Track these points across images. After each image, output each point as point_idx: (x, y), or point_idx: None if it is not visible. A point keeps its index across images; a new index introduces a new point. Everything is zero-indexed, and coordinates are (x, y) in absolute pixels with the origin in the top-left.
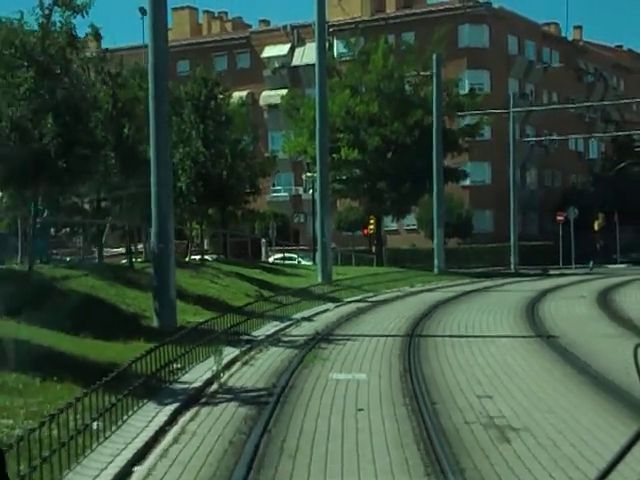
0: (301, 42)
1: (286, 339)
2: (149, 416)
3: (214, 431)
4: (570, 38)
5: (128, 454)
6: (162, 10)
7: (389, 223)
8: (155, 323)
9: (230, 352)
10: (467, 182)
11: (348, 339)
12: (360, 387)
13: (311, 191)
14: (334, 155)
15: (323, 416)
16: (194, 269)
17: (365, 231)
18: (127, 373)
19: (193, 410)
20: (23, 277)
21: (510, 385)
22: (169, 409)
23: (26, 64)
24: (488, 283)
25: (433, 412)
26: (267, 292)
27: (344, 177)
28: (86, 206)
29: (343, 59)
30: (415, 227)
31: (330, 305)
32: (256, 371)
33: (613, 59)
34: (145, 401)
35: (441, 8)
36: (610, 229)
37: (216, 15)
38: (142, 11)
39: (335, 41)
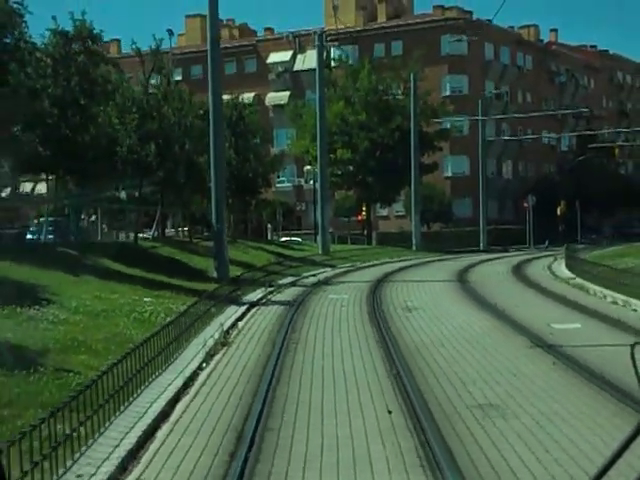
0: (302, 49)
1: (299, 284)
2: (235, 310)
3: (267, 319)
4: (547, 40)
5: (234, 319)
6: (218, 66)
7: (380, 210)
8: (215, 275)
9: (265, 291)
10: (449, 173)
11: (339, 283)
12: (343, 302)
13: (311, 182)
14: (331, 154)
15: (322, 310)
16: (230, 244)
17: (359, 217)
18: (214, 294)
19: (255, 309)
20: (132, 246)
21: (426, 298)
22: (244, 307)
23: (134, 110)
24: (450, 256)
25: (380, 308)
26: (282, 259)
27: (339, 172)
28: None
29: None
30: (403, 213)
31: (327, 268)
32: (284, 296)
33: (584, 60)
34: (230, 305)
35: (426, 20)
36: (572, 214)
37: (224, 22)
38: (170, 32)
39: (332, 49)
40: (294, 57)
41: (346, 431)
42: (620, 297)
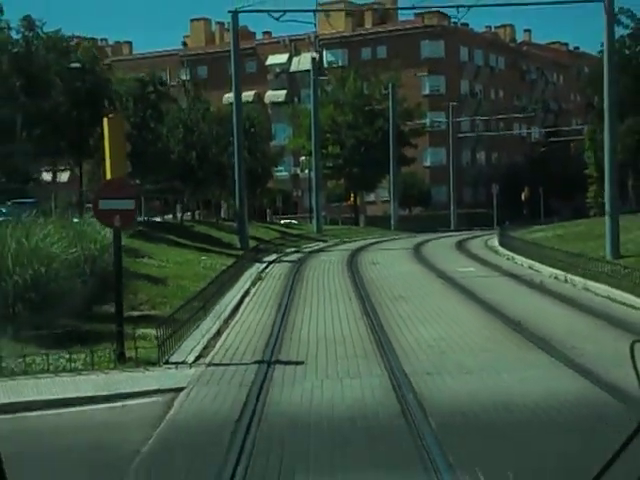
0: (297, 52)
1: (300, 251)
2: (259, 265)
3: (282, 269)
4: (522, 39)
5: (261, 269)
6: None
7: (368, 196)
8: (239, 245)
9: (277, 255)
10: (428, 163)
11: (328, 251)
12: (331, 262)
13: (306, 171)
14: (323, 150)
15: (316, 264)
16: None
17: (348, 202)
18: (244, 256)
19: (272, 265)
20: (178, 225)
21: (386, 258)
22: (265, 264)
23: (180, 126)
24: (420, 234)
25: (354, 263)
26: (285, 236)
27: (330, 165)
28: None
29: (332, 67)
30: (388, 199)
31: (320, 242)
32: (290, 258)
33: (553, 58)
34: (255, 263)
35: (407, 27)
36: (536, 199)
37: (226, 26)
38: (184, 44)
39: (325, 52)
40: (290, 59)
41: (328, 309)
42: (514, 255)
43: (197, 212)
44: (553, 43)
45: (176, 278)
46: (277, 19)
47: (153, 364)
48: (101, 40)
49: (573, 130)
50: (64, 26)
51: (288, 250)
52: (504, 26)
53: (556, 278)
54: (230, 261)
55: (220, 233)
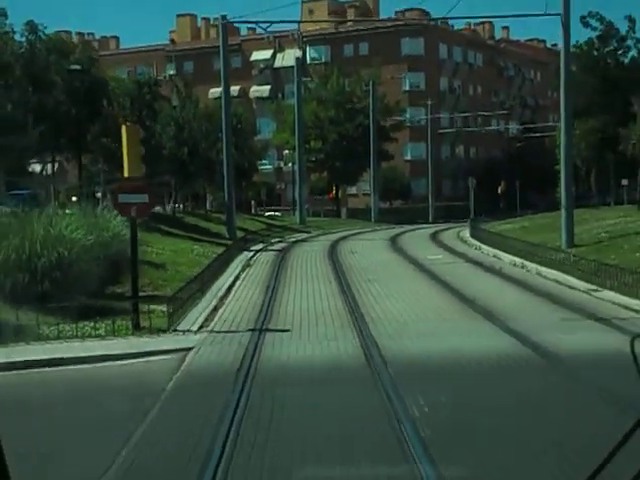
0: (281, 48)
1: (284, 241)
2: (247, 253)
3: (268, 256)
4: (499, 37)
5: (249, 256)
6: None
7: (350, 189)
8: (227, 235)
9: (263, 244)
10: (408, 157)
11: (311, 241)
12: (314, 250)
13: (290, 165)
14: (306, 144)
15: (300, 253)
16: None
17: (330, 195)
18: (233, 245)
19: (259, 253)
20: (170, 217)
21: (364, 248)
22: (252, 252)
23: (172, 124)
24: (398, 226)
25: (335, 252)
26: (270, 227)
27: (313, 159)
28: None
29: (315, 63)
30: (369, 192)
31: (304, 233)
32: (275, 247)
33: (531, 55)
34: (244, 252)
35: (388, 25)
36: (513, 192)
37: (212, 22)
38: (172, 42)
39: (308, 48)
40: (274, 55)
41: (311, 290)
42: (482, 245)
43: (184, 204)
44: (531, 40)
45: (173, 264)
46: (264, 29)
47: (164, 331)
48: (88, 34)
49: (548, 126)
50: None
51: (273, 240)
52: (483, 23)
53: (514, 265)
54: (220, 250)
55: (209, 224)
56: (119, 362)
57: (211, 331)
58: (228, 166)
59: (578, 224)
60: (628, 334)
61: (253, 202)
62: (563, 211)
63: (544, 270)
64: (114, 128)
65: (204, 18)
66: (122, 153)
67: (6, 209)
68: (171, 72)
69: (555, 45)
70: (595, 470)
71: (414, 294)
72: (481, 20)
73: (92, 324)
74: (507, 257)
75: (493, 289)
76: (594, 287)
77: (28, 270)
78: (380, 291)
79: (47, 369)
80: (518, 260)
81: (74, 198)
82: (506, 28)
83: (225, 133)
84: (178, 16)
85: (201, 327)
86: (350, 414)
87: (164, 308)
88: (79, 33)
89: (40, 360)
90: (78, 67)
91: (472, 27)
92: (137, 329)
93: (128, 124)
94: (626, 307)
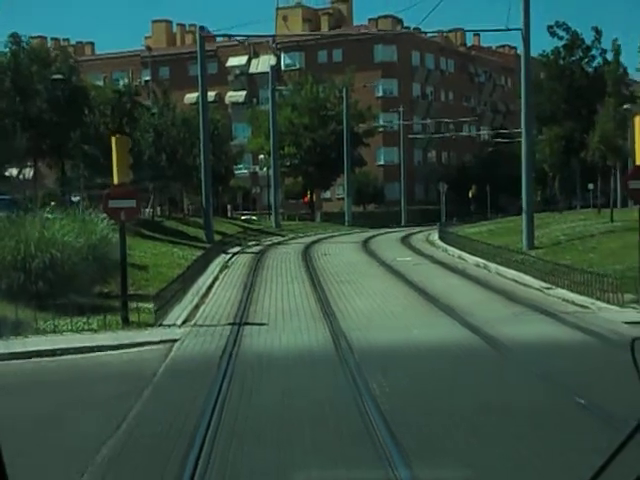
0: (256, 55)
1: (260, 245)
2: (225, 255)
3: (245, 258)
4: (471, 43)
5: (227, 258)
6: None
7: (324, 194)
8: (205, 239)
9: (240, 247)
10: (382, 162)
11: (286, 244)
12: (288, 253)
13: (265, 169)
14: (281, 150)
15: (275, 255)
16: None
17: (305, 199)
18: (211, 248)
19: (237, 255)
20: (150, 221)
21: (336, 250)
22: (230, 254)
23: (151, 130)
24: (371, 230)
25: (309, 254)
26: (247, 230)
27: (288, 164)
28: None
29: (289, 69)
30: (343, 196)
31: (279, 237)
32: (252, 250)
33: (501, 62)
34: (220, 254)
35: (362, 31)
36: (484, 196)
37: (187, 28)
38: (148, 48)
39: (282, 54)
40: (249, 61)
41: (285, 289)
42: (448, 247)
43: (161, 208)
44: (502, 47)
45: (155, 266)
46: (241, 42)
47: (151, 326)
48: (63, 40)
49: (518, 132)
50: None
51: (250, 243)
52: (455, 30)
53: (477, 265)
54: (199, 252)
55: (187, 228)
56: (112, 352)
57: (194, 325)
58: (206, 171)
59: (540, 227)
60: (569, 325)
61: (229, 206)
62: (524, 215)
63: (504, 270)
64: (95, 135)
65: (179, 24)
66: (111, 161)
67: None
68: (147, 78)
69: None
70: (596, 472)
71: (382, 292)
72: (449, 30)
73: (85, 319)
74: (471, 258)
75: (455, 287)
76: (547, 285)
77: (23, 270)
78: (349, 290)
79: (47, 358)
80: (481, 261)
81: (52, 203)
82: (477, 35)
83: (203, 140)
84: (153, 22)
85: (185, 322)
86: (319, 389)
87: (149, 305)
88: (55, 39)
89: (40, 350)
90: (60, 76)
91: (444, 34)
92: (126, 324)
93: (118, 135)
94: (573, 303)
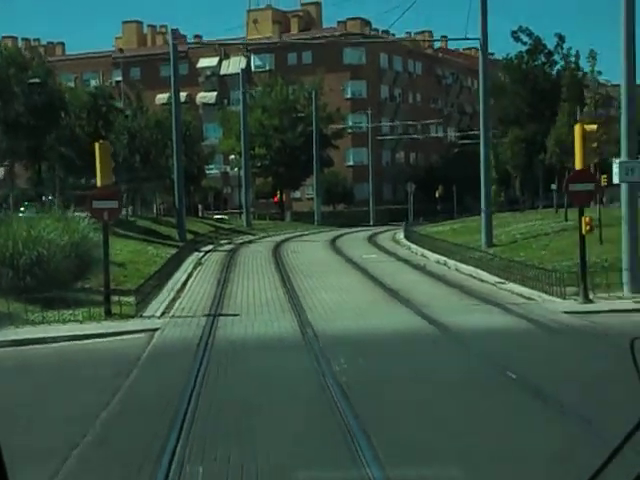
0: (227, 56)
1: (232, 243)
2: (198, 254)
3: (217, 256)
4: (438, 45)
5: (200, 256)
6: (177, 94)
7: (294, 194)
8: (178, 238)
9: (212, 245)
10: (351, 162)
11: (257, 243)
12: (259, 251)
13: (236, 169)
14: (252, 151)
15: (246, 253)
16: None
17: (275, 199)
18: (184, 246)
19: (209, 253)
20: (124, 220)
21: (305, 248)
22: (203, 253)
23: (125, 132)
24: (340, 229)
25: (279, 252)
26: (218, 230)
27: (258, 164)
28: None
29: (259, 70)
30: (313, 196)
31: (250, 236)
32: (224, 248)
33: (468, 64)
34: (193, 252)
35: (332, 34)
36: (450, 196)
37: (157, 29)
38: (120, 50)
39: (252, 56)
40: (220, 62)
41: (257, 283)
42: (412, 245)
43: (133, 208)
44: (469, 49)
45: (132, 263)
46: (215, 50)
47: (132, 317)
48: (34, 40)
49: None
50: None
51: (222, 242)
52: (422, 32)
53: (438, 262)
54: (173, 250)
55: (160, 227)
56: (99, 340)
57: (172, 316)
58: (178, 172)
59: (500, 226)
60: (514, 314)
61: (200, 206)
62: (483, 215)
63: (462, 266)
64: (71, 137)
65: (150, 25)
66: (87, 163)
67: None
68: (118, 78)
69: (492, 54)
70: (596, 471)
71: (346, 286)
72: (417, 32)
73: (70, 311)
74: (433, 256)
75: (415, 282)
76: (501, 280)
77: (12, 267)
78: (316, 284)
79: (39, 345)
80: (442, 258)
81: (26, 203)
82: (445, 37)
83: (175, 141)
84: (124, 23)
85: (163, 313)
86: (287, 368)
87: (130, 299)
88: (25, 39)
89: (32, 338)
90: (37, 80)
91: (412, 36)
92: (109, 315)
93: (101, 141)
94: (522, 295)
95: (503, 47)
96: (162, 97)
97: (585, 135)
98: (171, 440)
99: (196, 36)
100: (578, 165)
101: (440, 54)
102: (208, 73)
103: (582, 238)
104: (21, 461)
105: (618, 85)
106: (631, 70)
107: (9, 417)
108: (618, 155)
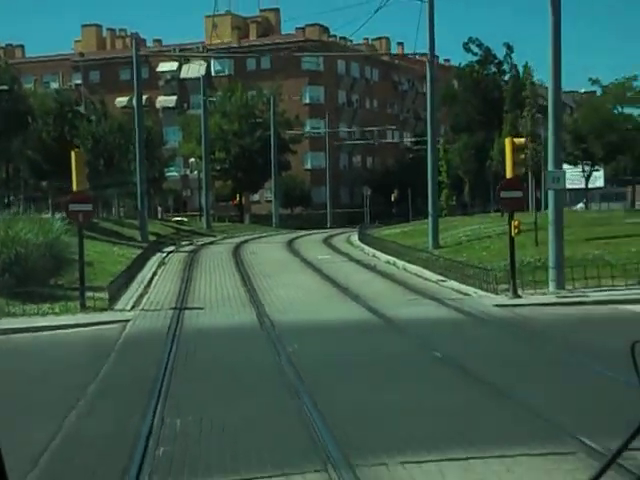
0: (186, 60)
1: (193, 244)
2: (161, 254)
3: (180, 256)
4: (395, 52)
5: (162, 256)
6: (140, 99)
7: (253, 197)
8: (141, 239)
9: (174, 247)
10: (309, 166)
11: (217, 244)
12: (219, 252)
13: (196, 173)
14: (212, 155)
15: (208, 253)
16: None
17: (234, 202)
18: (148, 247)
19: (172, 254)
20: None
21: (263, 249)
22: (165, 253)
23: (90, 137)
24: (297, 231)
25: (238, 253)
26: (179, 231)
27: (218, 168)
28: None
29: (219, 75)
30: (271, 199)
31: (210, 237)
32: (186, 249)
33: (423, 71)
34: (157, 252)
35: (289, 40)
36: (405, 199)
37: (117, 32)
38: (81, 54)
39: (212, 61)
40: (180, 67)
41: (218, 281)
42: (365, 247)
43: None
44: (425, 55)
45: (99, 263)
46: (178, 59)
47: (105, 310)
48: None
49: (437, 139)
50: None
51: (183, 243)
52: (380, 39)
53: (388, 262)
54: (137, 251)
55: (123, 229)
56: (77, 329)
57: (142, 310)
58: (141, 174)
59: (447, 229)
60: (450, 307)
61: (160, 208)
62: (430, 218)
63: (409, 266)
64: (38, 142)
65: (110, 29)
66: (54, 167)
67: None
68: (78, 81)
69: (447, 61)
70: (598, 473)
71: (301, 284)
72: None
73: (48, 305)
74: (383, 256)
75: (365, 280)
76: (443, 278)
77: None
78: (274, 282)
79: (22, 335)
80: (391, 259)
81: None
82: (401, 44)
83: (139, 146)
84: (83, 26)
85: (133, 307)
86: (247, 351)
87: (101, 295)
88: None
89: (15, 328)
90: (5, 87)
91: (370, 42)
92: (84, 308)
93: (77, 149)
94: (459, 292)
95: (461, 53)
96: (122, 100)
97: (514, 147)
98: (152, 402)
99: (156, 40)
100: (508, 174)
101: (396, 61)
102: (168, 77)
103: (512, 240)
104: (37, 414)
105: (570, 92)
106: (558, 91)
107: (20, 386)
108: (546, 165)
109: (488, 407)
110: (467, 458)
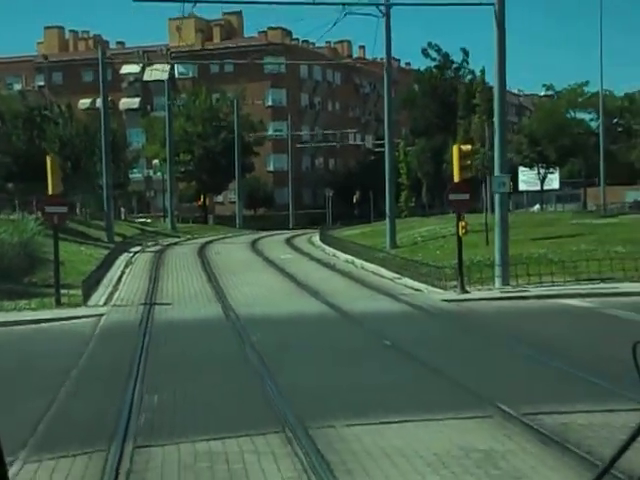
0: (150, 63)
1: (159, 245)
2: (128, 254)
3: (146, 256)
4: (357, 55)
5: (129, 256)
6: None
7: (217, 198)
8: (107, 240)
9: (141, 247)
10: (271, 168)
11: (182, 244)
12: (185, 252)
13: (159, 174)
14: (176, 157)
15: (173, 253)
16: None
17: (198, 203)
18: (115, 248)
19: (138, 254)
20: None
21: (227, 250)
22: (132, 253)
23: (57, 140)
24: (260, 232)
25: (203, 253)
26: (144, 232)
27: (182, 170)
28: None
29: (183, 77)
30: (235, 200)
31: (175, 238)
32: (152, 249)
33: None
34: (124, 252)
35: (252, 43)
36: (367, 201)
37: (80, 34)
38: (45, 57)
39: (176, 64)
40: (143, 69)
41: (185, 279)
42: (326, 247)
43: None
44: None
45: (69, 262)
46: (143, 66)
47: (79, 305)
48: None
49: (396, 142)
50: None
51: (149, 243)
52: (342, 42)
53: (347, 261)
54: (105, 251)
55: (89, 229)
56: (54, 323)
57: (114, 305)
58: (107, 176)
59: (405, 230)
60: (402, 302)
61: (123, 209)
62: (387, 220)
63: (367, 265)
64: (7, 145)
65: (72, 31)
66: (25, 170)
67: None
68: (40, 83)
69: (408, 64)
70: (599, 474)
71: (264, 282)
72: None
73: (25, 301)
74: (343, 256)
75: (324, 278)
76: (398, 276)
77: None
78: (238, 280)
79: (2, 328)
80: (350, 258)
81: None
82: (362, 47)
83: (104, 149)
84: (46, 28)
85: (105, 303)
86: (215, 340)
87: (73, 291)
88: None
89: None
90: None
91: (332, 45)
92: (59, 304)
93: (51, 155)
94: (412, 288)
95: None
96: (85, 102)
97: (461, 154)
98: (130, 382)
99: (119, 42)
100: (456, 178)
101: (358, 64)
102: (131, 79)
103: (459, 239)
104: (29, 395)
105: (530, 95)
106: (502, 102)
107: (9, 372)
108: (493, 171)
109: (425, 383)
110: (403, 421)
